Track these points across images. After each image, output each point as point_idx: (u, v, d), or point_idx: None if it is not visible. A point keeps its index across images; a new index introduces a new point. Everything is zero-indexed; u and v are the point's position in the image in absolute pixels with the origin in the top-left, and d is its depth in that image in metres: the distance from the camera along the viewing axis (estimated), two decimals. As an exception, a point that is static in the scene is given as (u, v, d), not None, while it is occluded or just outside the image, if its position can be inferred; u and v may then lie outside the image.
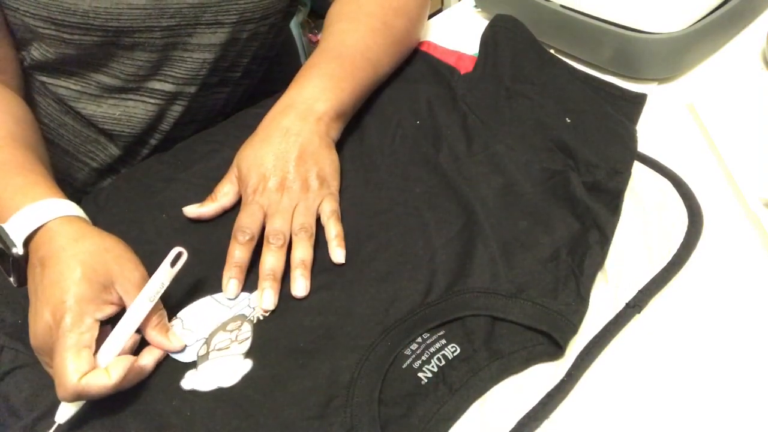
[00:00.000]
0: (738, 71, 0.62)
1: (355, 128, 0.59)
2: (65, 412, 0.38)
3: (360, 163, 0.56)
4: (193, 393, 0.40)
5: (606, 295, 0.43)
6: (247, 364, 0.41)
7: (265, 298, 0.44)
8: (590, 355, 0.40)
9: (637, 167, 0.52)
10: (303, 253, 0.46)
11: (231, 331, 0.43)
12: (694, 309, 0.43)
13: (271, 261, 0.45)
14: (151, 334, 0.42)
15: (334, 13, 0.62)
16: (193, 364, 0.42)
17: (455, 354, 0.41)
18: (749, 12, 0.67)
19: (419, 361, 0.41)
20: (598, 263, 0.45)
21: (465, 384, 0.40)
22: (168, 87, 0.61)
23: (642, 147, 0.54)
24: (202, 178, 0.55)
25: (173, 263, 0.42)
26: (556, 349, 0.41)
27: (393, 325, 0.42)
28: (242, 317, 0.44)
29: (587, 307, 0.42)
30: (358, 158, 0.56)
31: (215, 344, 0.43)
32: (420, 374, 0.40)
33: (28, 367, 0.42)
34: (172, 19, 0.56)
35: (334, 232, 0.47)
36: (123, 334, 0.40)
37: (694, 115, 0.57)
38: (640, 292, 0.43)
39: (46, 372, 0.41)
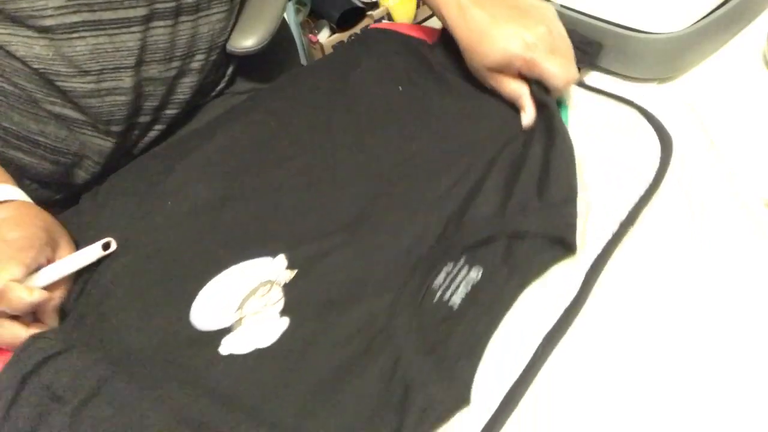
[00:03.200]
0: (738, 71, 0.62)
1: (341, 104, 0.61)
2: None
3: (352, 134, 0.58)
4: (232, 357, 0.42)
5: (600, 218, 0.47)
6: (284, 322, 0.43)
7: None
8: (596, 273, 0.44)
9: (605, 101, 0.56)
10: None
11: (262, 296, 0.45)
12: (694, 309, 0.43)
13: None
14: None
15: None
16: (227, 330, 0.44)
17: (480, 276, 0.44)
18: (749, 12, 0.67)
19: (448, 292, 0.44)
20: (569, 160, 0.49)
21: (493, 301, 0.43)
22: (86, 16, 0.59)
23: (642, 147, 0.54)
24: (200, 164, 0.57)
25: (104, 248, 0.50)
26: (566, 253, 0.45)
27: (417, 262, 0.46)
28: (270, 282, 0.46)
29: (576, 209, 0.47)
30: (349, 130, 0.58)
31: (248, 310, 0.44)
32: (450, 303, 0.43)
33: (64, 354, 0.43)
34: None
35: None
36: (62, 268, 0.48)
37: (694, 115, 0.57)
38: (630, 212, 0.47)
39: (81, 356, 0.43)
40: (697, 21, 0.58)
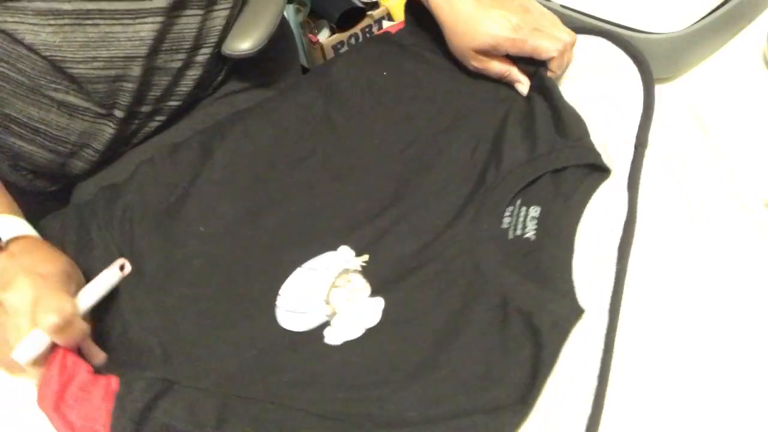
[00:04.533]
0: (738, 71, 0.62)
1: (332, 98, 0.61)
2: (29, 350, 0.40)
3: (353, 123, 0.59)
4: (348, 344, 0.43)
5: (613, 147, 0.52)
6: (380, 301, 0.44)
7: None
8: (634, 187, 0.49)
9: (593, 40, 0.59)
10: None
11: (343, 286, 0.46)
12: (694, 310, 0.43)
13: None
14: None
15: None
16: (326, 324, 0.44)
17: (539, 212, 0.48)
18: (749, 12, 0.67)
19: (518, 229, 0.48)
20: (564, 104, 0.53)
21: (561, 226, 0.47)
22: (103, 5, 0.60)
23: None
24: (213, 184, 0.55)
25: (121, 269, 0.49)
26: (602, 176, 0.50)
27: (473, 217, 0.48)
28: (346, 271, 0.47)
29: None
30: (349, 120, 0.59)
31: (336, 300, 0.45)
32: (526, 236, 0.47)
33: (170, 390, 0.41)
34: None
35: None
36: (91, 296, 0.46)
37: (694, 115, 0.57)
38: (638, 134, 0.51)
39: (187, 389, 0.41)
40: (697, 21, 0.58)
